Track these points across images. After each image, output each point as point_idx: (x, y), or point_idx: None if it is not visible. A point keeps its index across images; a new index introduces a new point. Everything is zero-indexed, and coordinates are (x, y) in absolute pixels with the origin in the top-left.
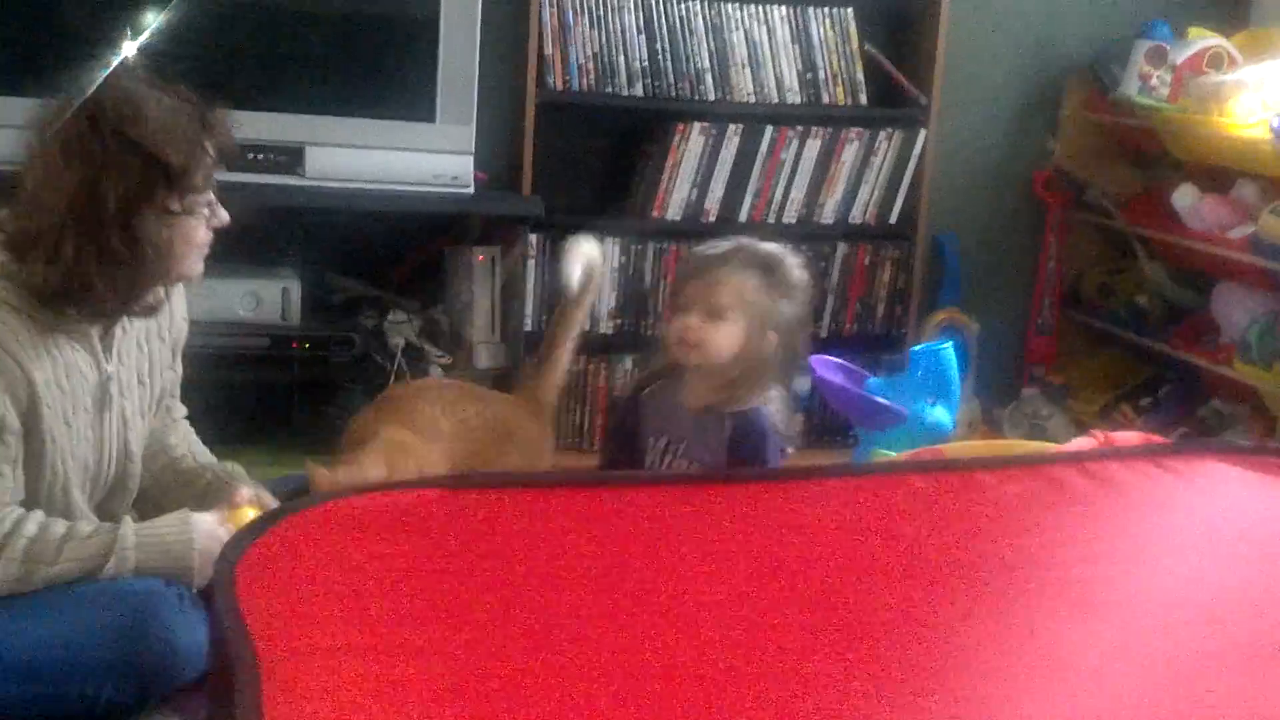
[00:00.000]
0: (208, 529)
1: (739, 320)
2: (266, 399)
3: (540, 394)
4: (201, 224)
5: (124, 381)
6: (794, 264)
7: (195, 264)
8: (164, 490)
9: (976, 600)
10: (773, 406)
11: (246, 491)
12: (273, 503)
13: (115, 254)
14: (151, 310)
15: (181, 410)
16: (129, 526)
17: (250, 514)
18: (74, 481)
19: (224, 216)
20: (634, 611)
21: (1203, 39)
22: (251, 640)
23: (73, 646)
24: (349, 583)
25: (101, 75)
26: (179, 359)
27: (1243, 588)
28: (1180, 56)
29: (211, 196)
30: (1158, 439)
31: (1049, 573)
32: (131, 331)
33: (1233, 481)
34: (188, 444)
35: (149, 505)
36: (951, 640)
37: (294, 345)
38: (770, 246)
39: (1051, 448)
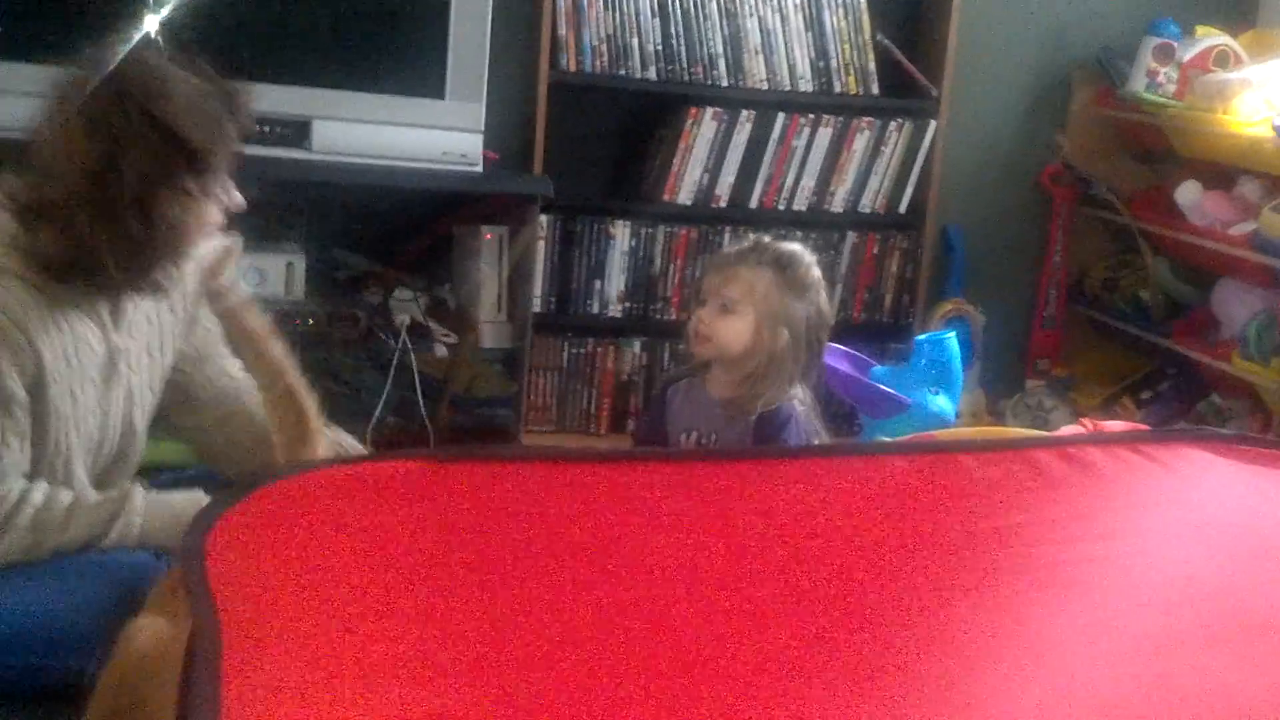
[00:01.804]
0: None
1: (749, 315)
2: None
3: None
4: (216, 205)
5: (133, 355)
6: (810, 263)
7: (203, 242)
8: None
9: (954, 579)
10: (799, 407)
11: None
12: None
13: (129, 231)
14: (158, 289)
15: (237, 364)
16: (139, 494)
17: None
18: (76, 454)
19: (239, 200)
20: (610, 585)
21: (1210, 37)
22: (216, 609)
23: (60, 619)
24: (321, 553)
25: (125, 48)
26: (207, 323)
27: (1215, 570)
28: (1187, 54)
29: (229, 177)
30: (1143, 427)
31: (1026, 553)
32: (142, 305)
33: (1209, 468)
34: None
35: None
36: (928, 618)
37: (297, 321)
38: (789, 246)
39: (1040, 435)
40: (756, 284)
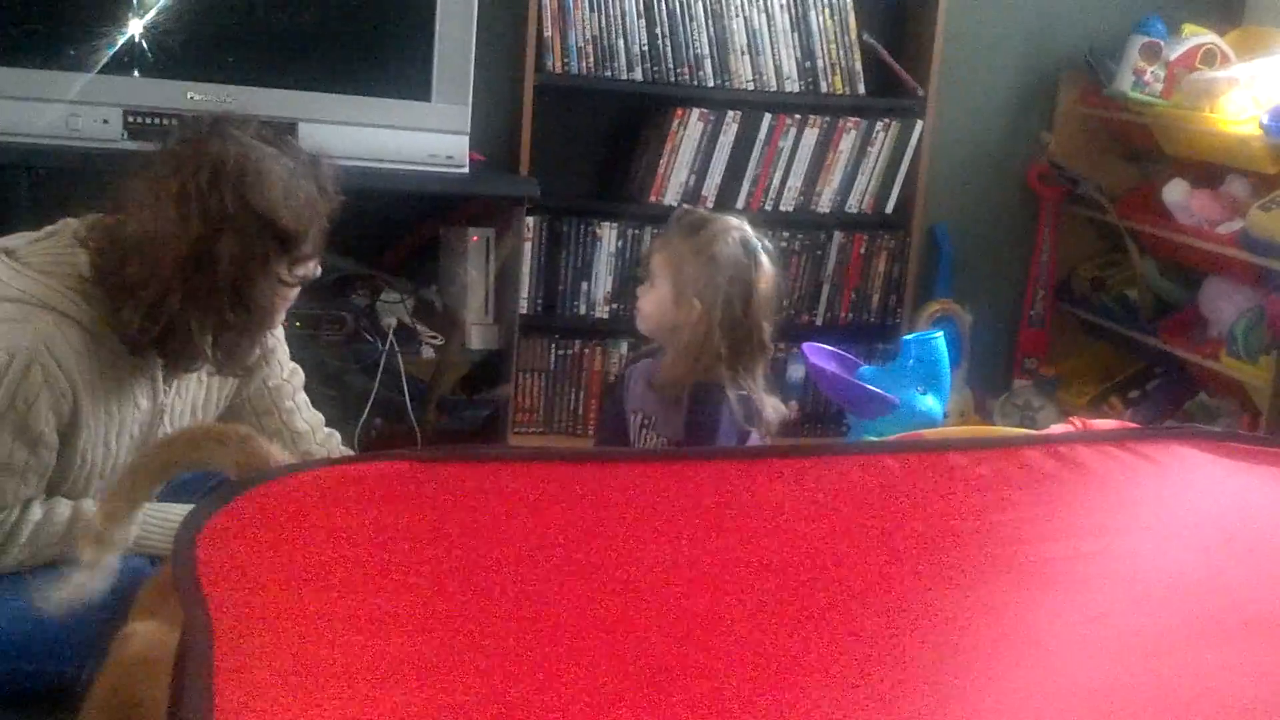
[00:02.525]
0: None
1: (665, 285)
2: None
3: None
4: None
5: (176, 412)
6: (722, 231)
7: (281, 319)
8: None
9: (944, 577)
10: (736, 384)
11: None
12: None
13: (223, 316)
14: (249, 372)
15: (277, 374)
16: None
17: None
18: (94, 489)
19: (317, 272)
20: (598, 584)
21: (1196, 36)
22: (207, 610)
23: (54, 624)
24: (311, 554)
25: (209, 119)
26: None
27: (1205, 567)
28: (1174, 53)
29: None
30: (1132, 425)
31: (1015, 551)
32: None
33: (1198, 465)
34: (303, 422)
35: None
36: (918, 616)
37: (284, 324)
38: (709, 214)
39: (1029, 433)
40: (667, 250)
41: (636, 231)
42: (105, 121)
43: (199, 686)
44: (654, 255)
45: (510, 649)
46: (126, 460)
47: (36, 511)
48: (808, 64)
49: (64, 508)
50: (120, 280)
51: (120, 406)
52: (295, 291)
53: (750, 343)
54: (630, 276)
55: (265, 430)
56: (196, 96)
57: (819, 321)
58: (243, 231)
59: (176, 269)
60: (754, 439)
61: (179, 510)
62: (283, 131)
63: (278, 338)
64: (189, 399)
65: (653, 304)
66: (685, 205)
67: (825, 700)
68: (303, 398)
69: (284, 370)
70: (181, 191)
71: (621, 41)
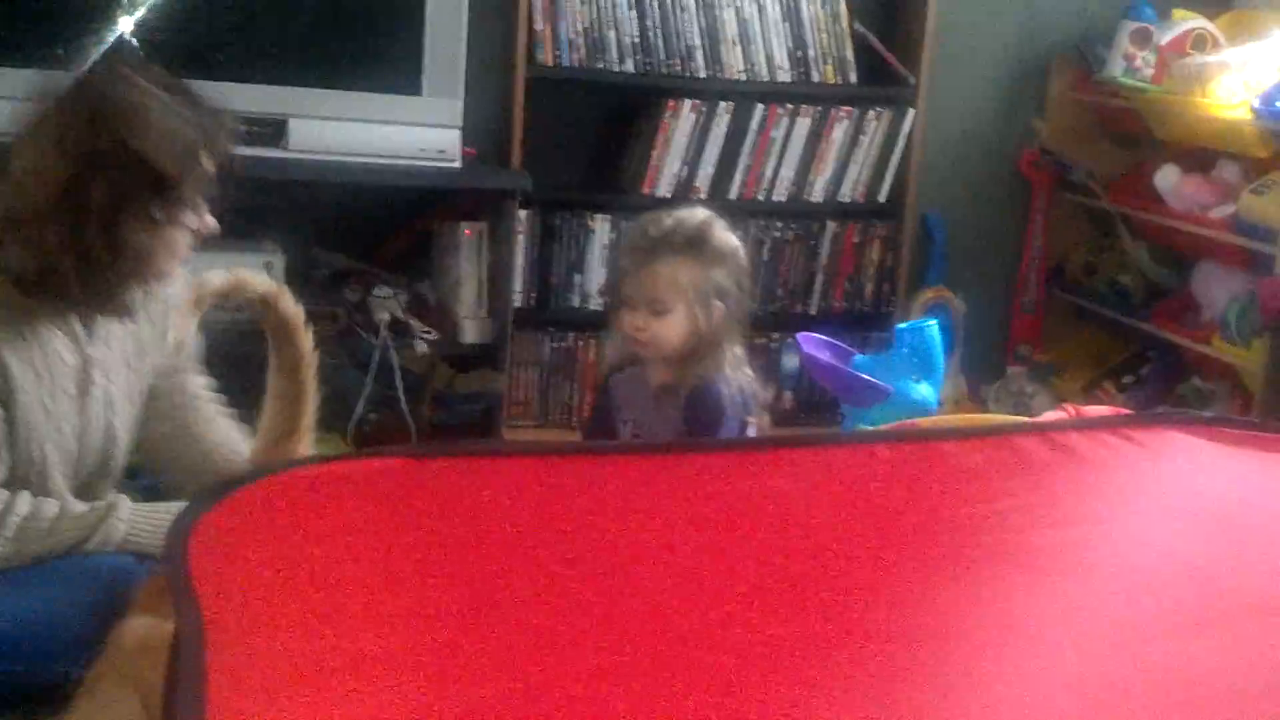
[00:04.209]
0: None
1: (680, 308)
2: (249, 373)
3: None
4: (186, 233)
5: (108, 366)
6: (719, 230)
7: (173, 268)
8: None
9: (938, 566)
10: (731, 375)
11: None
12: None
13: (93, 254)
14: (124, 312)
15: (198, 383)
16: (125, 504)
17: None
18: (54, 466)
19: (212, 224)
20: (594, 578)
21: (1187, 21)
22: (199, 608)
23: (45, 624)
24: (305, 552)
25: (101, 57)
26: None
27: (1200, 553)
28: (1165, 38)
29: (201, 205)
30: (1125, 411)
31: (1010, 539)
32: None
33: (1192, 451)
34: (224, 434)
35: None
36: (913, 605)
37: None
38: (692, 222)
39: (1022, 420)
40: (678, 275)
41: (629, 223)
42: None
43: (191, 686)
44: (654, 285)
45: (507, 644)
46: (70, 420)
47: (23, 506)
48: (799, 54)
49: (51, 505)
50: (6, 218)
51: (48, 364)
52: (181, 242)
53: (747, 314)
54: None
55: (169, 391)
56: None
57: (813, 311)
58: (117, 171)
59: (52, 205)
60: (750, 430)
61: (167, 509)
62: (177, 80)
63: (193, 350)
64: (117, 351)
65: (674, 329)
66: (644, 222)
67: (819, 689)
68: (227, 421)
69: (200, 384)
70: (61, 127)
71: (613, 33)
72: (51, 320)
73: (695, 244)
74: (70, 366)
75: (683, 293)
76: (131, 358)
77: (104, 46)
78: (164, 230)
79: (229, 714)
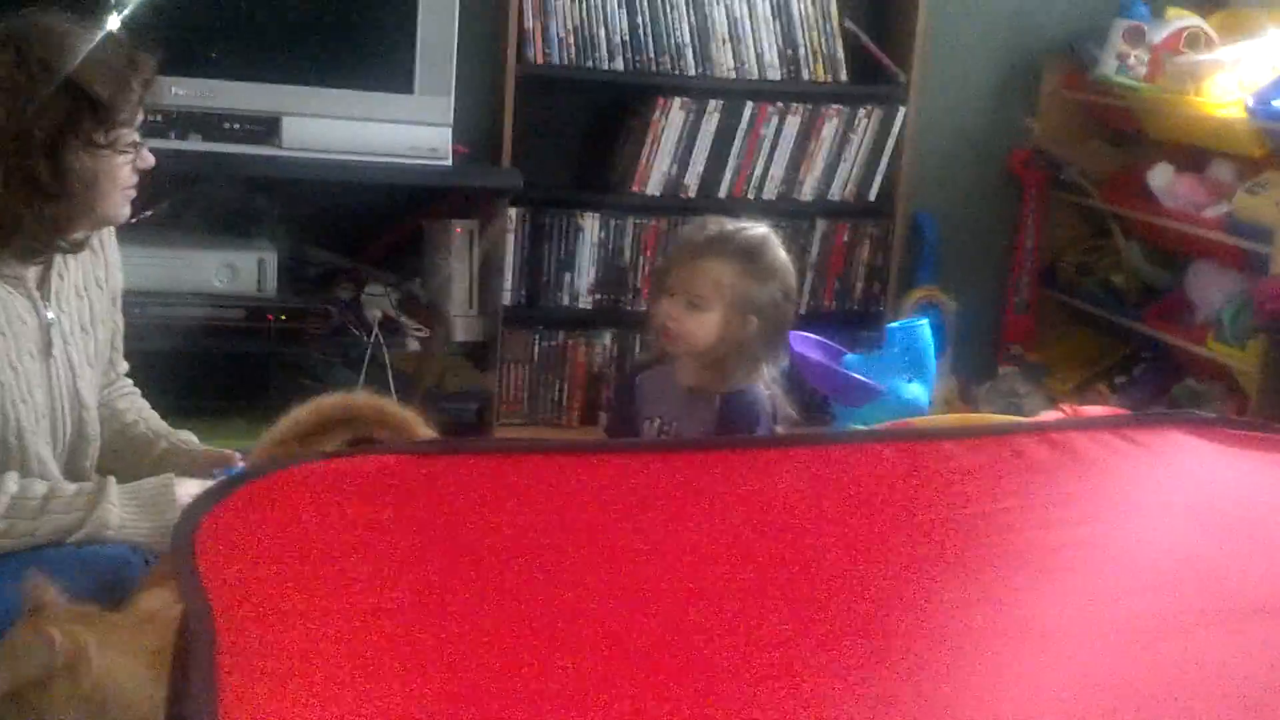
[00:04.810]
0: (192, 492)
1: (718, 309)
2: (242, 371)
3: None
4: (127, 164)
5: (66, 329)
6: (775, 248)
7: (121, 205)
8: (117, 456)
9: (941, 567)
10: (764, 388)
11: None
12: None
13: (42, 186)
14: (79, 246)
15: (124, 366)
16: (112, 486)
17: None
18: (31, 430)
19: (149, 158)
20: (597, 576)
21: (1180, 19)
22: (208, 603)
23: None
24: (312, 546)
25: (26, 12)
26: (119, 309)
27: (1203, 553)
28: (1158, 36)
29: (137, 137)
30: (1124, 412)
31: (1012, 539)
32: (69, 278)
33: (1193, 451)
34: (138, 410)
35: (103, 472)
36: (916, 606)
37: (269, 317)
38: (752, 233)
39: (1022, 420)
40: (723, 277)
41: (619, 222)
42: None
43: (202, 680)
44: (697, 279)
45: (509, 639)
46: (38, 382)
47: (11, 485)
48: (789, 52)
49: (40, 484)
50: None
51: (9, 324)
52: (123, 170)
53: (785, 337)
54: (615, 269)
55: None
56: (179, 91)
57: (803, 310)
58: (52, 98)
59: None
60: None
61: (150, 487)
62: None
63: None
64: (73, 313)
65: (705, 328)
66: (721, 222)
67: (821, 689)
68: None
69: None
70: None
71: (603, 31)
72: (8, 281)
73: (749, 254)
74: (30, 328)
75: (723, 294)
76: (86, 321)
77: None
78: (105, 156)
79: (240, 706)
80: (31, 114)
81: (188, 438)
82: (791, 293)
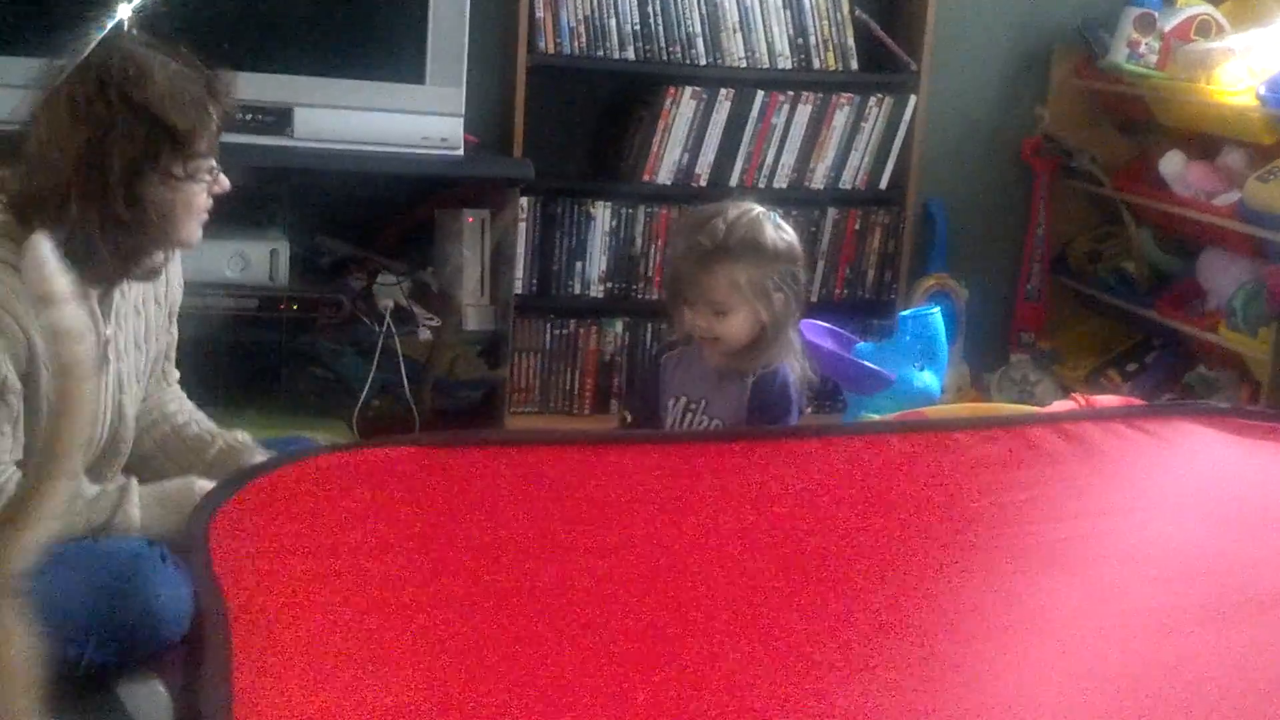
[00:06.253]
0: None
1: (742, 307)
2: (254, 360)
3: None
4: (203, 190)
5: (121, 345)
6: (774, 229)
7: (195, 230)
8: (170, 457)
9: (954, 557)
10: (792, 374)
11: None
12: None
13: (119, 217)
14: (152, 274)
15: (175, 375)
16: (134, 487)
17: None
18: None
19: (225, 183)
20: (607, 565)
21: (1191, 6)
22: (222, 595)
23: (54, 608)
24: (323, 539)
25: (101, 37)
26: (175, 323)
27: (1217, 545)
28: (1169, 24)
29: (213, 163)
30: (1137, 402)
31: (1026, 530)
32: (130, 296)
33: (1205, 442)
34: (189, 412)
35: (152, 473)
36: (929, 596)
37: (282, 307)
38: (746, 220)
39: (1035, 411)
40: (737, 278)
41: (630, 211)
42: None
43: (217, 672)
44: (714, 289)
45: (520, 630)
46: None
47: None
48: (800, 40)
49: None
50: (26, 198)
51: None
52: (199, 198)
53: (803, 301)
54: (626, 257)
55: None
56: None
57: (814, 298)
58: (131, 130)
59: (72, 174)
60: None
61: (174, 488)
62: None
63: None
64: (129, 330)
65: (739, 326)
66: (694, 223)
67: (837, 680)
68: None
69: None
70: (71, 98)
71: (613, 21)
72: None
73: (751, 246)
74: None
75: (742, 293)
76: (140, 338)
77: (106, 34)
78: (183, 186)
79: (253, 696)
80: (110, 145)
81: (242, 437)
82: (798, 255)
